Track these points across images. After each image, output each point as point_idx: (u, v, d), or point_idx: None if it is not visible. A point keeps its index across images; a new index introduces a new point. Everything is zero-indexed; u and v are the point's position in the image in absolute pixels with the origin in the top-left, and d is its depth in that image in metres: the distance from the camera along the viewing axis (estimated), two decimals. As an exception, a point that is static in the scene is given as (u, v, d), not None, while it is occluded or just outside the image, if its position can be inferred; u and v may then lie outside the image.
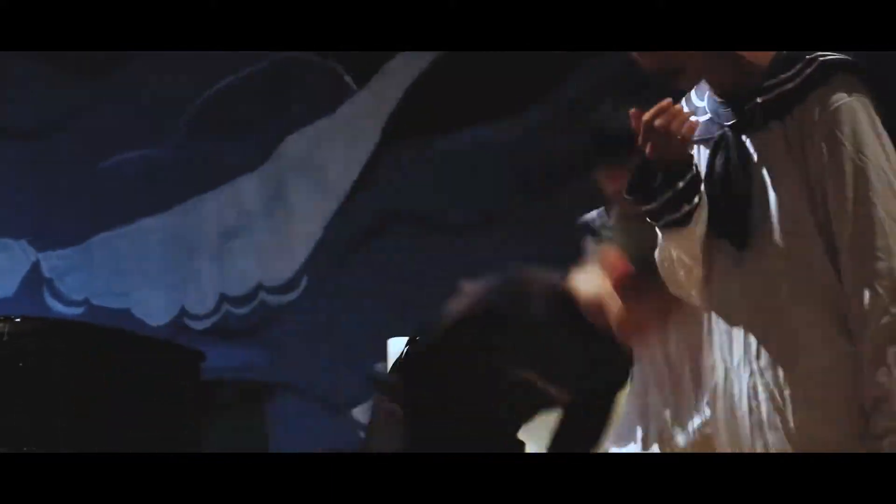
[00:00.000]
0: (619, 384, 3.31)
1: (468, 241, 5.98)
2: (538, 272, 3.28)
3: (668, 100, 2.20)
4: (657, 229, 2.33)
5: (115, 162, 6.32)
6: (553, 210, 5.74)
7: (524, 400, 3.24)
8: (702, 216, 2.25)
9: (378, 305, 5.90)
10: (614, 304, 3.03)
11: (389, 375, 3.54)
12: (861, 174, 2.09)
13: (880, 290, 2.05)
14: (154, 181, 6.30)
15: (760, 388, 2.20)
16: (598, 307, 3.14)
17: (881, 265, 2.06)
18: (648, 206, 2.25)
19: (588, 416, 3.26)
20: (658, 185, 2.23)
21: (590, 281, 3.16)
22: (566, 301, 3.14)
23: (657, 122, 2.16)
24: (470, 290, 3.27)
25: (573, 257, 5.76)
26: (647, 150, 2.21)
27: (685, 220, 2.23)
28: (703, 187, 2.25)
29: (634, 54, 2.25)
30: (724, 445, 2.63)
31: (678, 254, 2.33)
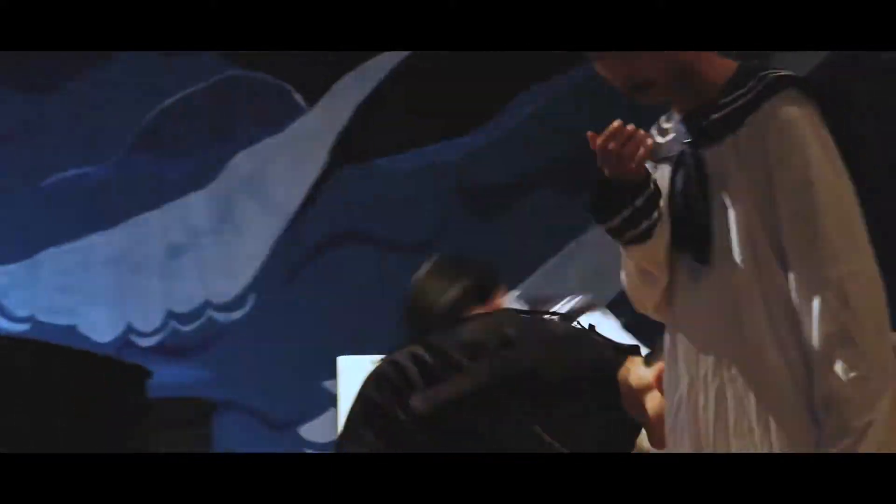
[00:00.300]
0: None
1: (415, 261, 5.82)
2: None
3: (618, 122, 2.17)
4: (620, 247, 2.33)
5: (61, 178, 6.24)
6: (499, 230, 5.80)
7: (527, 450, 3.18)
8: (663, 230, 2.26)
9: (325, 324, 5.88)
10: (655, 404, 3.00)
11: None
12: (808, 188, 2.10)
13: (828, 299, 2.06)
14: (101, 198, 6.23)
15: (730, 396, 2.20)
16: (639, 401, 3.12)
17: (829, 274, 2.06)
18: (609, 224, 2.26)
19: None
20: (617, 203, 2.24)
21: (641, 374, 3.14)
22: (609, 379, 3.13)
23: (611, 146, 2.16)
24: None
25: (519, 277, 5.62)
26: (605, 171, 2.21)
27: (645, 236, 2.24)
28: (662, 203, 2.26)
29: (600, 69, 2.23)
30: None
31: (641, 266, 2.33)
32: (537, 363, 3.10)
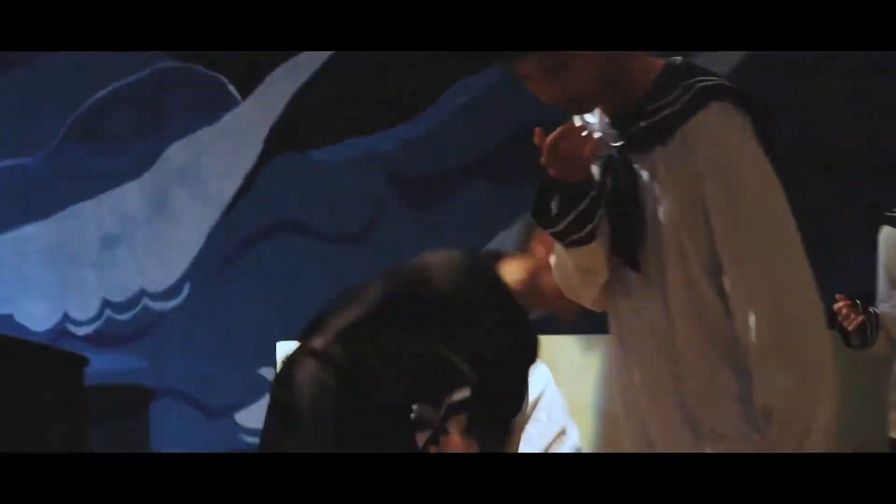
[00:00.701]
0: (529, 362, 3.32)
1: (348, 250, 5.98)
2: (466, 253, 3.25)
3: (572, 122, 2.17)
4: (563, 246, 2.31)
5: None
6: (433, 220, 5.82)
7: (438, 375, 3.15)
8: (604, 231, 2.23)
9: (261, 311, 5.87)
10: (548, 280, 2.94)
11: (327, 345, 3.24)
12: (739, 200, 2.09)
13: (764, 311, 2.05)
14: (34, 189, 6.20)
15: (673, 404, 2.18)
16: (530, 285, 3.16)
17: (760, 287, 2.06)
18: (553, 229, 2.23)
19: (499, 394, 3.21)
20: (561, 207, 2.21)
21: (520, 263, 3.20)
22: (492, 280, 3.14)
23: (563, 145, 2.13)
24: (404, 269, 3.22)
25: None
26: (552, 172, 2.17)
27: (589, 238, 2.21)
28: (602, 203, 2.23)
29: (532, 89, 2.17)
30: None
31: (581, 266, 2.30)
32: (424, 282, 3.12)
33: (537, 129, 2.14)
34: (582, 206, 2.18)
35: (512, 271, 3.44)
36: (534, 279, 3.37)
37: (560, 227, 2.21)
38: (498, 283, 3.20)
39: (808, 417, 2.04)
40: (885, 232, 4.18)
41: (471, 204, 5.82)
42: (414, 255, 4.91)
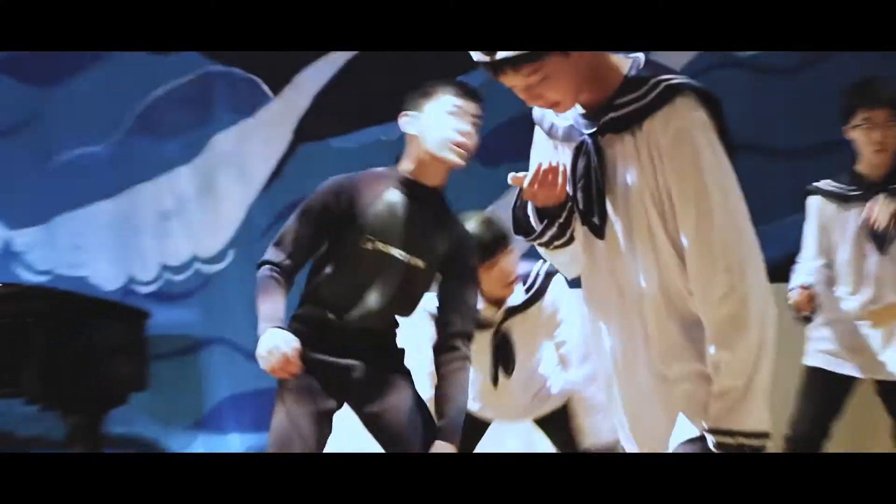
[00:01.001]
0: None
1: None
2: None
3: (538, 165, 2.18)
4: (544, 250, 2.35)
5: (71, 156, 6.35)
6: None
7: (404, 281, 3.19)
8: (578, 229, 2.27)
9: None
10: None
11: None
12: (701, 188, 2.08)
13: (718, 287, 2.06)
14: (104, 173, 6.33)
15: (640, 354, 2.24)
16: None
17: (718, 266, 2.06)
18: (539, 241, 2.29)
19: (456, 283, 3.26)
20: (543, 224, 2.25)
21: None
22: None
23: (537, 188, 2.17)
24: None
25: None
26: (534, 203, 2.24)
27: (569, 242, 2.28)
28: (575, 212, 2.25)
29: (520, 94, 2.17)
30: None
31: (561, 258, 2.36)
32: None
33: (513, 178, 2.19)
34: (562, 219, 2.24)
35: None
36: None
37: (545, 239, 2.27)
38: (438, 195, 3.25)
39: (752, 372, 2.05)
40: (812, 200, 4.18)
41: (464, 182, 5.48)
42: None
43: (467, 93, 3.17)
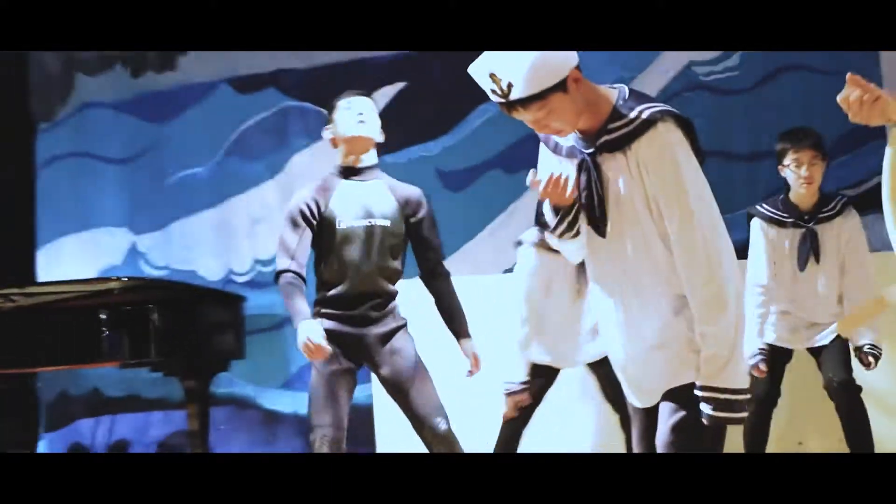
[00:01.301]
0: None
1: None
2: None
3: (550, 174, 2.15)
4: (556, 240, 2.30)
5: (180, 176, 6.46)
6: (463, 200, 5.78)
7: None
8: (583, 225, 2.24)
9: None
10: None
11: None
12: (684, 193, 2.06)
13: (700, 274, 2.04)
14: (207, 188, 6.45)
15: (640, 322, 2.21)
16: None
17: (699, 256, 2.05)
18: (553, 232, 2.27)
19: None
20: (557, 219, 2.23)
21: None
22: None
23: (549, 191, 2.15)
24: None
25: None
26: (548, 202, 2.23)
27: (577, 234, 2.26)
28: (582, 209, 2.21)
29: (530, 125, 2.13)
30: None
31: (571, 247, 2.31)
32: None
33: (532, 182, 2.16)
34: (571, 217, 2.22)
35: None
36: None
37: (559, 231, 2.25)
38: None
39: (733, 342, 2.04)
40: (755, 223, 4.05)
41: (490, 188, 5.79)
42: (452, 224, 4.88)
43: (354, 95, 3.46)
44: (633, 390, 2.25)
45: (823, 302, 3.93)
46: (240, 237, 6.39)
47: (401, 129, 5.78)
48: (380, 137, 3.47)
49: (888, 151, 2.02)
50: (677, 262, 2.08)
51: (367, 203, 3.33)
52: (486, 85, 2.05)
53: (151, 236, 6.48)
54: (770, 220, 3.99)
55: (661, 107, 2.10)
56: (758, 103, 5.41)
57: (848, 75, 1.97)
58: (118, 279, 5.40)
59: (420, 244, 3.39)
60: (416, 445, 3.50)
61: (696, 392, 2.06)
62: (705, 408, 2.04)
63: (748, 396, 2.06)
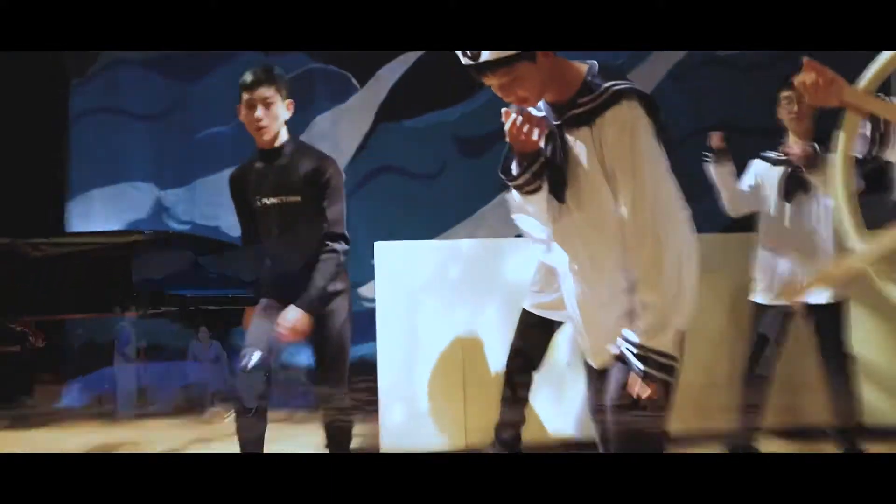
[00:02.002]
0: None
1: (426, 183, 6.21)
2: None
3: (524, 112, 2.15)
4: (519, 194, 2.30)
5: (205, 134, 6.55)
6: (477, 165, 6.00)
7: None
8: (545, 183, 2.25)
9: (372, 221, 5.96)
10: None
11: None
12: (639, 169, 2.10)
13: (647, 245, 2.09)
14: (231, 146, 6.46)
15: (594, 284, 2.24)
16: None
17: (647, 228, 2.09)
18: (515, 182, 2.27)
19: None
20: (520, 169, 2.23)
21: None
22: None
23: (515, 133, 2.16)
24: None
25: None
26: (515, 146, 2.21)
27: (538, 189, 2.25)
28: (546, 164, 2.21)
29: (496, 91, 2.12)
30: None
31: (532, 205, 2.30)
32: None
33: (505, 111, 2.15)
34: (535, 168, 2.21)
35: None
36: None
37: (520, 182, 2.24)
38: None
39: (670, 315, 2.08)
40: (754, 162, 4.14)
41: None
42: (465, 186, 5.37)
43: (244, 85, 3.32)
44: (586, 347, 2.30)
45: None
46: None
47: (420, 92, 6.15)
48: (284, 117, 3.35)
49: (840, 136, 2.03)
50: (627, 232, 2.10)
51: (275, 180, 3.30)
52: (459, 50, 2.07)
53: (176, 192, 6.52)
54: (766, 158, 4.13)
55: (627, 84, 2.09)
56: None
57: (804, 59, 1.99)
58: (141, 232, 5.47)
59: (320, 217, 3.29)
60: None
61: (631, 349, 2.10)
62: (638, 365, 2.09)
63: (676, 364, 2.09)
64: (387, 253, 4.56)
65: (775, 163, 4.07)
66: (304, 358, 5.27)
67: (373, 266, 4.92)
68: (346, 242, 3.37)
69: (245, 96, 3.32)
